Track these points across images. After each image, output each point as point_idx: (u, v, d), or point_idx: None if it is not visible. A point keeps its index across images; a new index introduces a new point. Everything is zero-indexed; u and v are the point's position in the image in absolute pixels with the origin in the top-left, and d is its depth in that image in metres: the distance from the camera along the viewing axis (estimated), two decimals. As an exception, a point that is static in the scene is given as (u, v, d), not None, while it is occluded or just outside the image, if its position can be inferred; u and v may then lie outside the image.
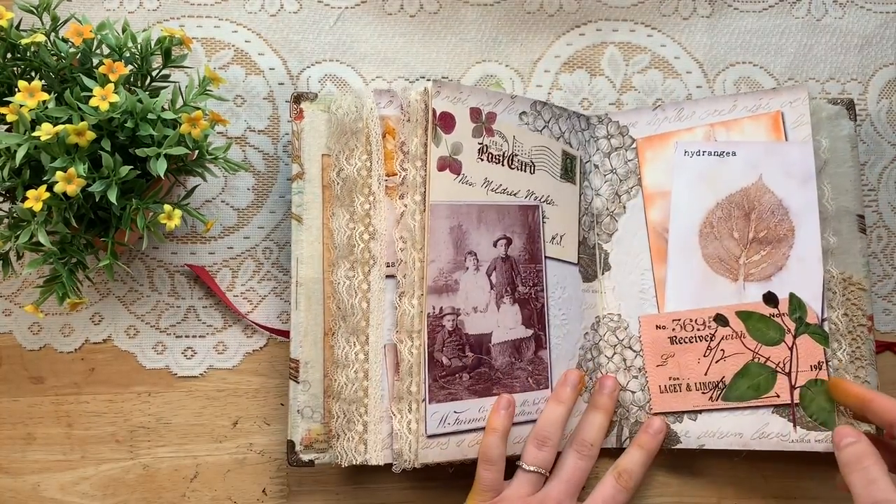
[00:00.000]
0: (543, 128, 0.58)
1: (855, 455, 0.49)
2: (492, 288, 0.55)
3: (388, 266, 0.55)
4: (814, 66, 0.64)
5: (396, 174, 0.55)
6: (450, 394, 0.53)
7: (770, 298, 0.56)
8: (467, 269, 0.54)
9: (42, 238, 0.47)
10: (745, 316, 0.57)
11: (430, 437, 0.52)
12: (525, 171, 0.57)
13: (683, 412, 0.57)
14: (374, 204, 0.55)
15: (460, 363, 0.53)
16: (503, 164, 0.56)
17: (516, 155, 0.57)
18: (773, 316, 0.56)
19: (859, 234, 0.59)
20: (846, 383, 0.54)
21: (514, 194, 0.56)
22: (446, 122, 0.54)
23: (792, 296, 0.56)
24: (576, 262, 0.59)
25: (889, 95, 0.64)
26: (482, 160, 0.55)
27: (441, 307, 0.53)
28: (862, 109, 0.63)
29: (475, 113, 0.55)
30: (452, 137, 0.54)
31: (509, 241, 0.56)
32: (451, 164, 0.54)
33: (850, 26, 0.65)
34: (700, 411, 0.57)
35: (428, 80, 0.62)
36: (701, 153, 0.59)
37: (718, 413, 0.57)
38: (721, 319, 0.57)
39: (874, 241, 0.62)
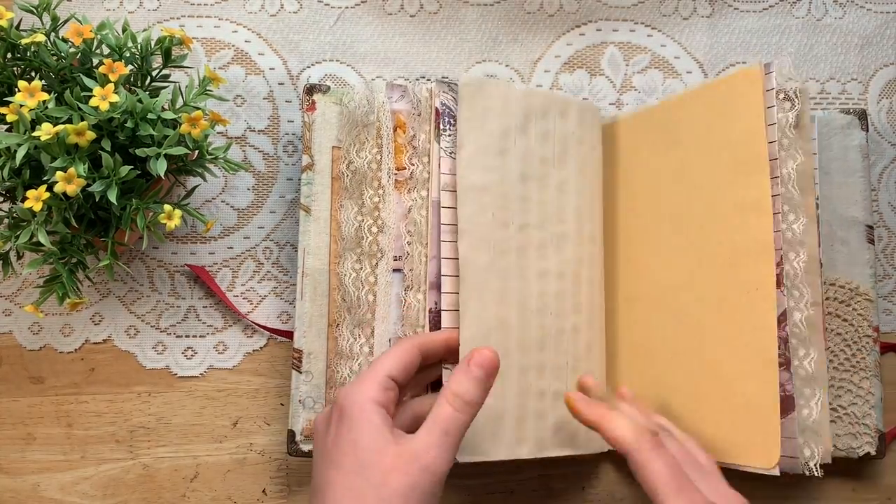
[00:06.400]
0: None
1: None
2: None
3: (395, 259, 0.55)
4: (814, 66, 0.64)
5: (405, 168, 0.55)
6: None
7: None
8: None
9: (42, 238, 0.47)
10: None
11: None
12: None
13: None
14: (384, 197, 0.55)
15: None
16: None
17: None
18: None
19: (867, 244, 0.59)
20: (580, 404, 0.47)
21: None
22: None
23: None
24: None
25: (889, 95, 0.64)
26: None
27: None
28: (861, 109, 0.63)
29: None
30: None
31: None
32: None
33: (851, 26, 0.64)
34: None
35: (428, 79, 0.62)
36: None
37: None
38: None
39: (874, 241, 0.62)
